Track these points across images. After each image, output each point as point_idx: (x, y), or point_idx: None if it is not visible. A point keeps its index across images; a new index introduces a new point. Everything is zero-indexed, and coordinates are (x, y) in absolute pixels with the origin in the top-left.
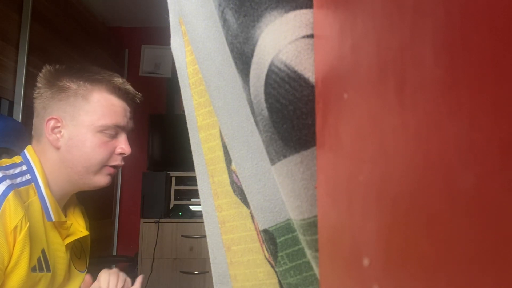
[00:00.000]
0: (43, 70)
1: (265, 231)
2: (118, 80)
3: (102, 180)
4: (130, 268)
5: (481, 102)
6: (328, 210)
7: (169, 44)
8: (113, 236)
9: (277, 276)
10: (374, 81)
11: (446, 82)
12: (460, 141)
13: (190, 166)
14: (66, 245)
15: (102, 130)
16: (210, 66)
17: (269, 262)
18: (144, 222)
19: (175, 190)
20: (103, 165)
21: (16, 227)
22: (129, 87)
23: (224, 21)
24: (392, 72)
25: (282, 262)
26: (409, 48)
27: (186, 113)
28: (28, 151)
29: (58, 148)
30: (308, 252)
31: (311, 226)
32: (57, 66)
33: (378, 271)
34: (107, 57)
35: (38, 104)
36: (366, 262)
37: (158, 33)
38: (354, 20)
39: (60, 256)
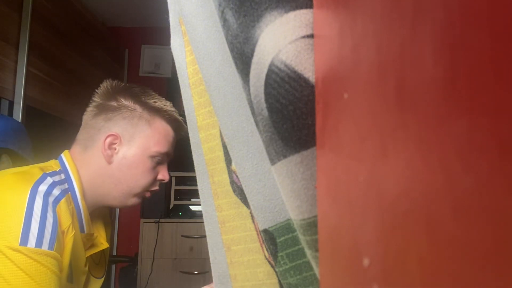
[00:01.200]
0: (104, 84)
1: (265, 231)
2: (175, 111)
3: (136, 201)
4: (130, 268)
5: (481, 102)
6: (328, 210)
7: (169, 44)
8: (113, 236)
9: (277, 276)
10: (374, 81)
11: (446, 82)
12: (460, 141)
13: (190, 166)
14: (86, 258)
15: (155, 156)
16: (210, 66)
17: (269, 262)
18: (144, 222)
19: (175, 190)
20: (145, 189)
21: (63, 231)
22: (183, 119)
23: (224, 21)
24: (392, 72)
25: (282, 262)
26: (409, 48)
27: (186, 113)
28: (67, 158)
29: (109, 163)
30: (308, 252)
31: (311, 226)
32: (120, 84)
33: (378, 271)
34: (107, 57)
35: (96, 116)
36: (366, 262)
37: (158, 33)
38: (354, 20)
39: (80, 267)
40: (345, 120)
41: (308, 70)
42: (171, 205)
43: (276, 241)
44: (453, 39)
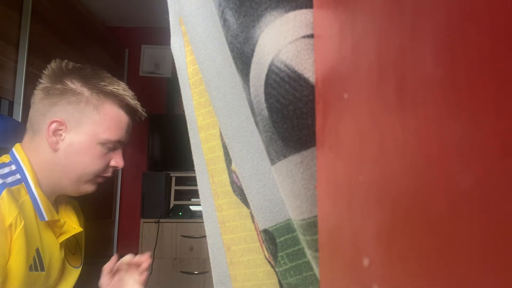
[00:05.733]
0: (52, 65)
1: (265, 231)
2: (130, 94)
3: (89, 188)
4: None
5: (481, 102)
6: (328, 210)
7: (169, 44)
8: (113, 236)
9: (277, 276)
10: (374, 81)
11: (446, 82)
12: (460, 141)
13: (190, 166)
14: (60, 243)
15: (104, 143)
16: (210, 66)
17: (269, 262)
18: (144, 222)
19: (175, 190)
20: (96, 175)
21: (11, 225)
22: (138, 103)
23: (224, 21)
24: (392, 72)
25: (282, 262)
26: (409, 48)
27: (186, 113)
28: (17, 150)
29: (55, 151)
30: (308, 252)
31: (311, 226)
32: (69, 65)
33: (378, 271)
34: (107, 57)
35: (42, 100)
36: (366, 262)
37: (158, 33)
38: (354, 20)
39: (54, 254)
40: (345, 120)
41: (308, 70)
42: (171, 205)
43: (276, 241)
44: (453, 39)
